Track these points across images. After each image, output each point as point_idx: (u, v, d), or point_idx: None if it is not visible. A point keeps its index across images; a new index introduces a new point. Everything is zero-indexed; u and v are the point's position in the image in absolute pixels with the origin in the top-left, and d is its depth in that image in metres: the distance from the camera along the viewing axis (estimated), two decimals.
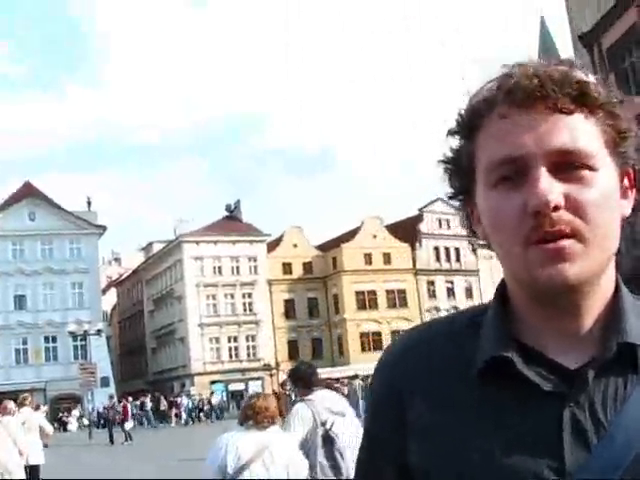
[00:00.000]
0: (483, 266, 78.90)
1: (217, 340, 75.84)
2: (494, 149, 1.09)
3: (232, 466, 5.43)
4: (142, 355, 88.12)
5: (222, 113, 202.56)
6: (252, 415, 5.68)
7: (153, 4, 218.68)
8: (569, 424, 1.05)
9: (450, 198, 1.22)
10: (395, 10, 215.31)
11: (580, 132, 1.07)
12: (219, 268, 77.02)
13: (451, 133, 1.18)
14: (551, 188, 1.04)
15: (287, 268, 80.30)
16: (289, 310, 79.42)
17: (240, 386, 72.42)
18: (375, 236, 78.76)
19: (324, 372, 62.54)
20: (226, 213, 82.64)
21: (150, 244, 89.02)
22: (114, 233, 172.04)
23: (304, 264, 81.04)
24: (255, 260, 78.25)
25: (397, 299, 78.56)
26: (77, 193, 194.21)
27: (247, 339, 77.12)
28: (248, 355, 76.87)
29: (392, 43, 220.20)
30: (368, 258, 78.04)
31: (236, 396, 68.54)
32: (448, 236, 78.88)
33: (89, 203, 75.17)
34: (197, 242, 76.04)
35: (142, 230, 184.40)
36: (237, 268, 77.78)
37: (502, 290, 1.19)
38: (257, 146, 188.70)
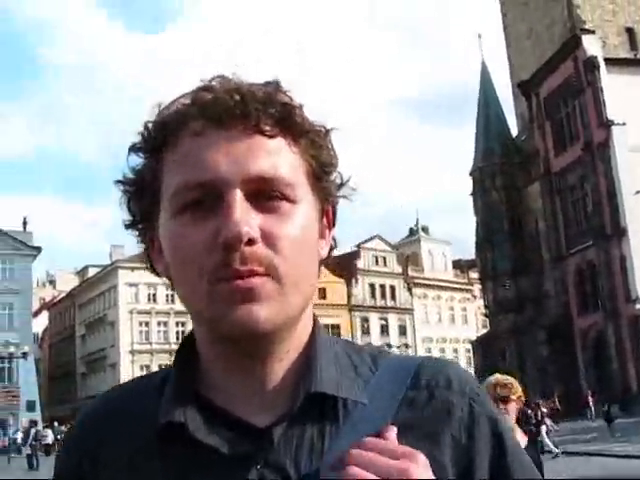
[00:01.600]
0: (417, 304, 79.85)
1: (148, 368, 74.87)
2: (183, 170, 0.96)
3: None
4: (71, 380, 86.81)
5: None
6: None
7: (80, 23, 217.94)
8: None
9: (127, 227, 1.07)
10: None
11: (281, 159, 0.98)
12: (154, 295, 76.39)
13: (134, 149, 1.04)
14: (246, 219, 0.93)
15: None
16: None
17: None
18: None
19: None
20: None
21: (85, 268, 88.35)
22: (50, 255, 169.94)
23: None
24: None
25: (331, 334, 76.71)
26: (13, 214, 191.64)
27: None
28: None
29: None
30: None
31: None
32: (384, 273, 79.53)
33: (25, 224, 74.28)
34: (132, 268, 75.35)
35: (78, 253, 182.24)
36: (172, 296, 76.85)
37: (190, 340, 1.07)
38: None
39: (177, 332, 76.65)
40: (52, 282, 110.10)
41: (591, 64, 45.48)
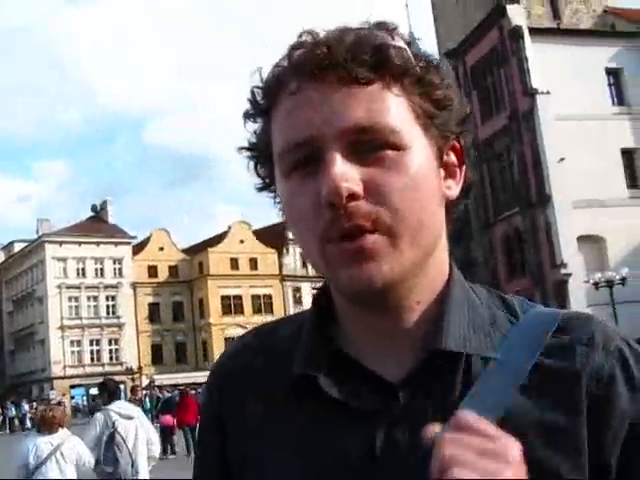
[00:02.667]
0: None
1: (79, 343, 74.31)
2: (285, 131, 0.95)
3: (32, 464, 7.27)
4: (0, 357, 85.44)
5: (94, 114, 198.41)
6: (43, 424, 7.57)
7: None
8: (382, 446, 0.93)
9: (259, 190, 1.07)
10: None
11: (380, 105, 0.92)
12: (82, 270, 75.50)
13: (247, 116, 1.04)
14: (345, 173, 0.89)
15: (152, 271, 79.46)
16: (153, 314, 78.60)
17: None
18: (242, 241, 78.64)
19: (188, 377, 62.85)
20: (92, 214, 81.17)
21: (11, 243, 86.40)
22: None
23: (170, 267, 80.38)
24: (120, 262, 77.06)
25: (263, 304, 78.61)
26: None
27: (110, 342, 75.85)
28: (110, 359, 75.58)
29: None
30: (234, 263, 77.83)
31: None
32: None
33: None
34: (60, 242, 74.38)
35: (4, 229, 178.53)
36: (101, 270, 76.49)
37: (325, 291, 1.07)
38: (129, 148, 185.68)
39: (107, 306, 76.09)
40: None
41: (516, 34, 45.97)
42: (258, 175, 1.06)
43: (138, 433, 8.33)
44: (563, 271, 43.00)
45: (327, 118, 0.92)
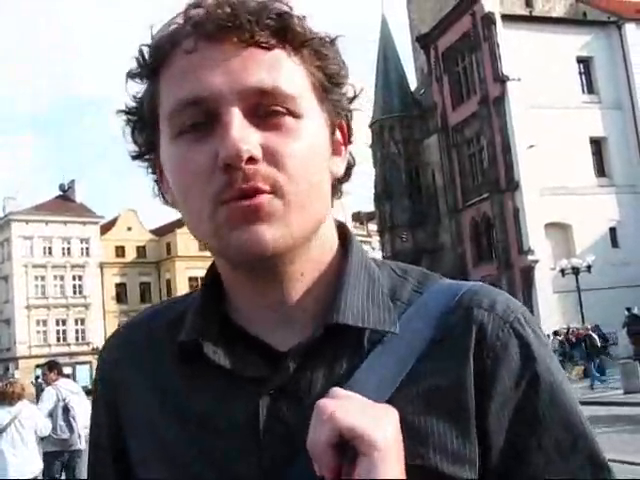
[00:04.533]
0: None
1: (44, 323, 73.79)
2: (178, 90, 0.91)
3: None
4: None
5: (65, 94, 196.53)
6: (3, 397, 8.66)
7: None
8: (266, 414, 0.92)
9: (134, 158, 1.02)
10: None
11: (281, 70, 0.92)
12: (49, 249, 74.86)
13: (130, 76, 0.99)
14: (245, 136, 0.88)
15: (120, 251, 79.17)
16: (120, 294, 78.27)
17: (67, 370, 70.47)
18: None
19: None
20: (59, 193, 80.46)
21: None
22: None
23: (138, 248, 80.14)
24: (87, 242, 76.60)
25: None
26: None
27: (76, 322, 75.44)
28: (77, 339, 75.21)
29: None
30: (203, 244, 76.71)
31: None
32: None
33: None
34: (27, 221, 73.62)
35: None
36: (68, 249, 75.90)
37: (214, 266, 1.06)
38: (97, 128, 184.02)
39: (74, 286, 75.53)
40: None
41: (488, 20, 46.00)
42: (135, 142, 1.01)
43: (81, 406, 9.69)
44: (530, 257, 43.31)
45: (227, 78, 0.89)
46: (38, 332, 73.47)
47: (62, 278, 75.58)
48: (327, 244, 1.01)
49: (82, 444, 9.47)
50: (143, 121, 0.99)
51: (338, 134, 1.01)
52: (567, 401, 0.96)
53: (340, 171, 1.02)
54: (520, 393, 0.94)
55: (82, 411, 9.46)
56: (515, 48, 44.39)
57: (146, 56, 0.97)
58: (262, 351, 0.96)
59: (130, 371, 1.06)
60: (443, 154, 50.94)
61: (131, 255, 79.82)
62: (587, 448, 0.94)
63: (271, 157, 0.89)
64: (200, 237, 0.95)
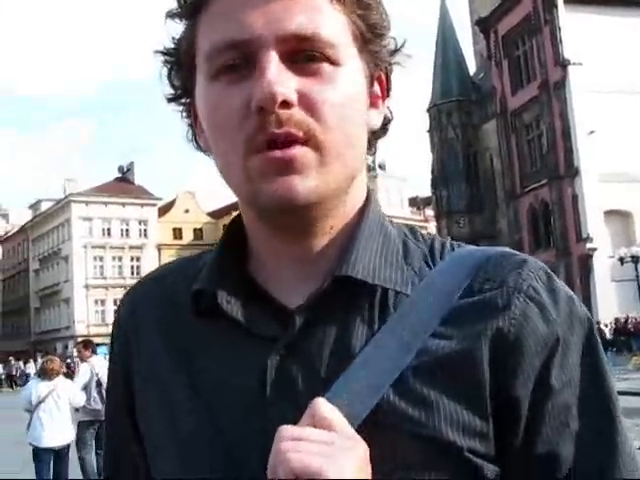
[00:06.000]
0: None
1: (103, 302, 74.76)
2: (216, 31, 0.89)
3: (34, 401, 9.59)
4: (25, 315, 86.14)
5: (120, 77, 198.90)
6: (44, 372, 9.85)
7: None
8: (274, 373, 0.89)
9: (170, 101, 1.00)
10: None
11: (322, 16, 0.88)
12: (108, 230, 75.71)
13: (170, 15, 0.96)
14: (281, 80, 0.85)
15: (177, 233, 79.66)
16: None
17: None
18: None
19: None
20: (118, 174, 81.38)
21: (39, 202, 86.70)
22: (2, 189, 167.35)
23: (195, 230, 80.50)
24: (145, 224, 77.30)
25: None
26: None
27: None
28: None
29: None
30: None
31: None
32: None
33: None
34: (86, 202, 74.58)
35: (32, 187, 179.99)
36: (126, 231, 76.74)
37: (238, 218, 1.03)
38: (156, 110, 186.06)
39: (131, 267, 76.36)
40: (5, 216, 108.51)
41: (550, 2, 45.15)
42: (171, 84, 0.99)
43: None
44: (588, 245, 42.58)
45: (267, 20, 0.86)
46: (96, 312, 74.48)
47: (120, 259, 76.44)
48: (357, 199, 0.98)
49: None
50: (180, 62, 0.96)
51: (376, 86, 0.98)
52: (594, 363, 0.92)
53: (377, 124, 0.99)
54: (543, 357, 0.90)
55: None
56: (577, 31, 43.52)
57: None
58: (276, 309, 0.93)
59: (144, 323, 1.04)
60: (501, 139, 50.26)
61: (188, 237, 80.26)
62: (609, 409, 0.90)
63: (306, 103, 0.86)
64: (230, 183, 0.93)
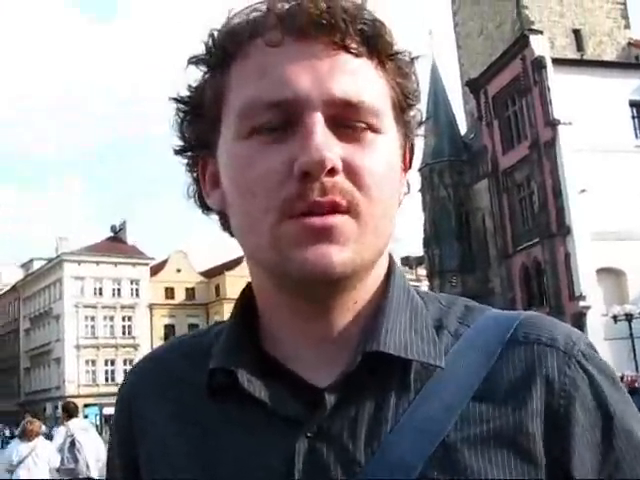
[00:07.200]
0: None
1: (93, 363, 74.29)
2: (255, 86, 0.82)
3: (15, 460, 10.37)
4: (14, 375, 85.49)
5: (111, 134, 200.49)
6: (24, 433, 10.68)
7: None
8: (303, 458, 0.82)
9: (177, 153, 0.93)
10: None
11: (368, 82, 0.84)
12: (100, 289, 75.74)
13: (195, 61, 0.89)
14: (328, 144, 0.79)
15: (169, 293, 79.67)
16: (169, 335, 78.04)
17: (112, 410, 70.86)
18: None
19: None
20: (111, 234, 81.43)
21: (30, 261, 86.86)
22: None
23: (187, 289, 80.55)
24: (137, 283, 77.32)
25: None
26: None
27: (125, 363, 75.52)
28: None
29: None
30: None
31: (110, 420, 66.92)
32: None
33: None
34: (79, 262, 74.62)
35: (23, 246, 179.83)
36: (118, 290, 76.64)
37: (248, 291, 0.96)
38: (145, 168, 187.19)
39: (123, 327, 76.09)
40: None
41: (539, 64, 45.78)
42: (182, 135, 0.93)
43: (90, 442, 11.08)
44: (582, 303, 42.51)
45: (314, 82, 0.81)
46: (87, 372, 73.96)
47: (112, 319, 76.16)
48: (382, 268, 0.93)
49: (91, 473, 10.91)
50: (199, 112, 0.90)
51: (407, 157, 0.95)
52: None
53: (403, 195, 0.94)
54: (598, 432, 0.85)
55: (91, 445, 10.99)
56: (566, 92, 44.03)
57: (219, 42, 0.87)
58: (300, 387, 0.86)
59: (149, 405, 0.97)
60: (493, 198, 50.48)
61: (180, 297, 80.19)
62: None
63: (350, 172, 0.81)
64: (248, 246, 0.87)
